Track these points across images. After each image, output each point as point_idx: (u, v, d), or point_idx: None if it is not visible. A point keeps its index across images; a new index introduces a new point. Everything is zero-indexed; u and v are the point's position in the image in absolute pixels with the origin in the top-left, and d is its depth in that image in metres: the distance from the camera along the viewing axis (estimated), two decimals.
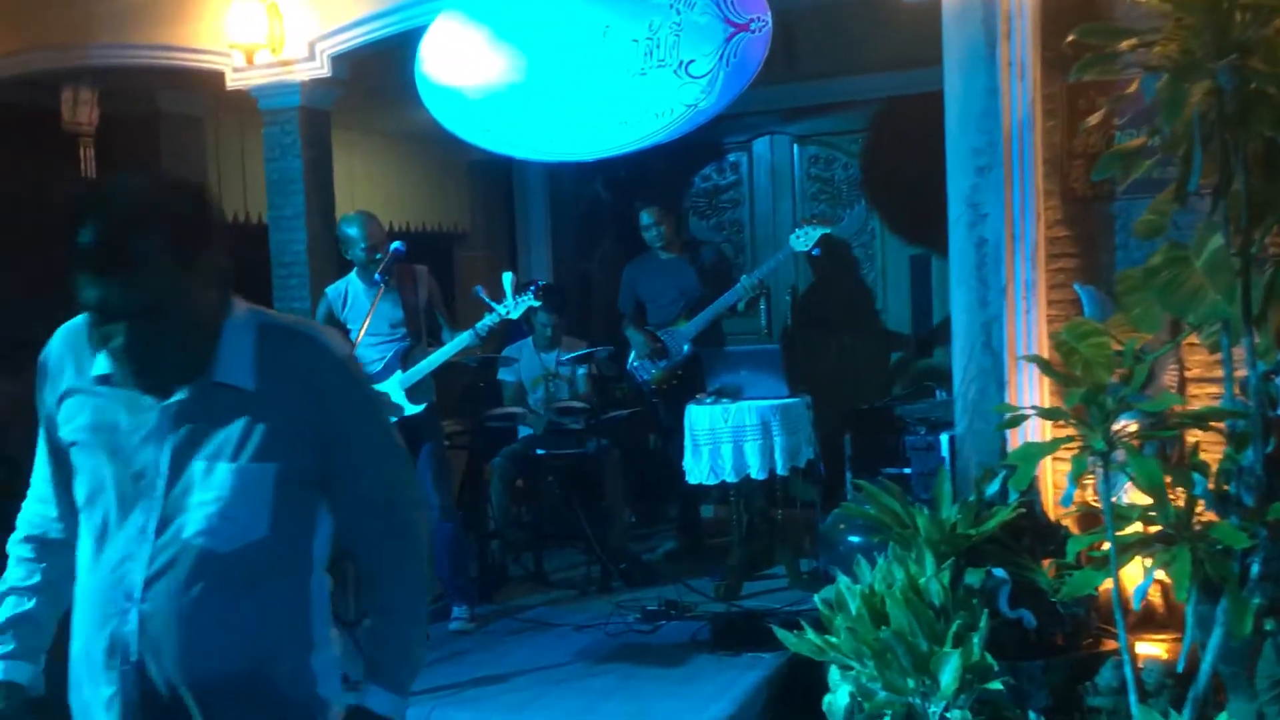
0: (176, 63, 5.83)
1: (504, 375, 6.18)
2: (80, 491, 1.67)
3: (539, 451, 5.94)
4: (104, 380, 1.64)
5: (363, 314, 4.89)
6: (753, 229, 7.61)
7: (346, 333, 4.93)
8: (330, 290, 5.14)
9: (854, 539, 4.40)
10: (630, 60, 4.85)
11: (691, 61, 4.73)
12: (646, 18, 4.83)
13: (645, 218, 5.98)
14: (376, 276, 4.89)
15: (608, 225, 8.31)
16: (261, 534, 1.61)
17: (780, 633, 3.62)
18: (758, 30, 4.63)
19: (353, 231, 4.98)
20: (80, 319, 1.69)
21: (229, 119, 7.38)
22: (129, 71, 6.10)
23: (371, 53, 5.55)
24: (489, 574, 5.64)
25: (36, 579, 1.79)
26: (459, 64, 5.16)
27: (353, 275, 5.07)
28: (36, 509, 1.83)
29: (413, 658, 1.78)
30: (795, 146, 7.48)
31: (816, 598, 3.74)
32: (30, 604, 1.78)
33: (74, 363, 1.68)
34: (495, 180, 8.88)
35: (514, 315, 4.96)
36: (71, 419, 1.68)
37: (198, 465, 1.60)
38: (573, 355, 6.05)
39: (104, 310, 1.52)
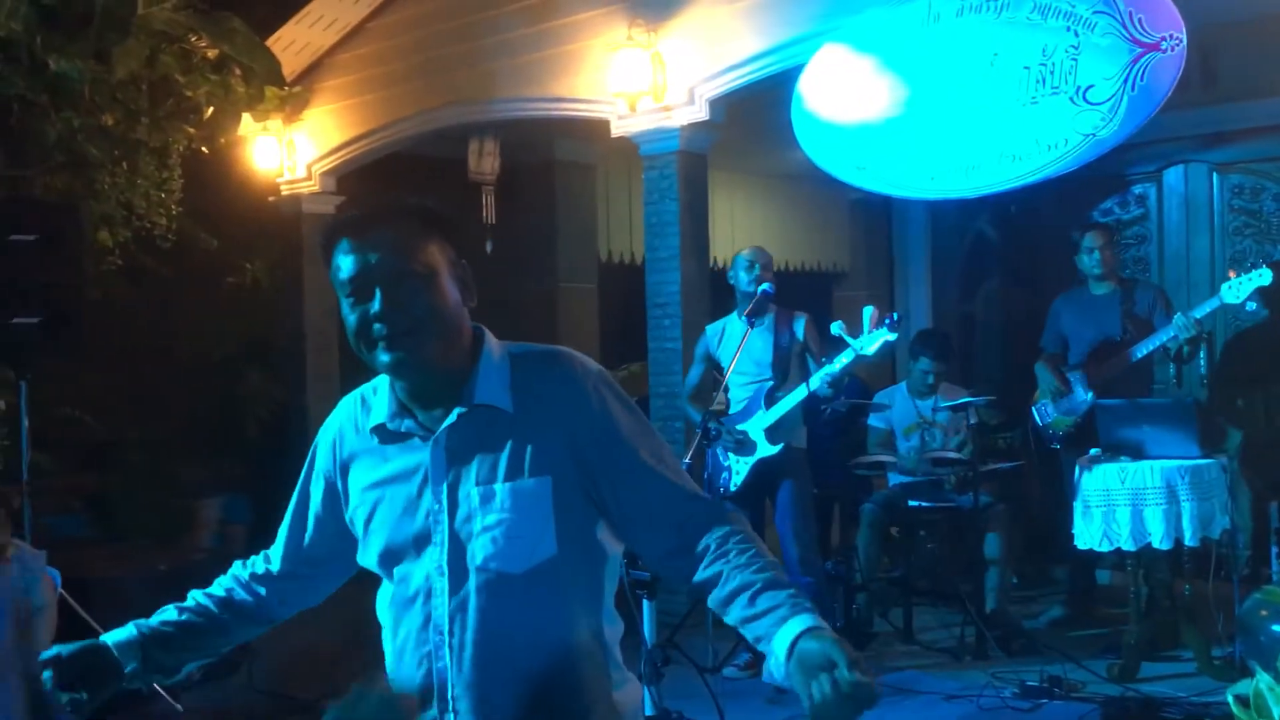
0: (567, 113, 6.14)
1: (873, 421, 5.98)
2: (373, 550, 1.72)
3: (911, 503, 5.67)
4: (379, 429, 1.70)
5: (734, 352, 4.89)
6: (1161, 268, 6.90)
7: (720, 369, 5.02)
8: (710, 327, 5.30)
9: (1278, 629, 3.78)
10: (1020, 88, 4.53)
11: (1090, 87, 4.34)
12: (1039, 42, 4.50)
13: (1087, 240, 5.45)
14: (742, 317, 4.92)
15: (993, 265, 7.85)
16: (550, 552, 1.62)
17: None
18: (1169, 50, 4.17)
19: (741, 261, 5.14)
20: (350, 395, 1.79)
21: (618, 164, 7.72)
22: (527, 123, 6.51)
23: (748, 95, 5.55)
24: (853, 628, 5.40)
25: (208, 605, 1.84)
26: (837, 99, 5.05)
27: (733, 314, 5.17)
28: (263, 556, 1.90)
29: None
30: (1215, 175, 6.73)
31: (1229, 693, 3.23)
32: (184, 618, 1.81)
33: (353, 428, 1.77)
34: (876, 218, 8.70)
35: (866, 351, 4.64)
36: (357, 483, 1.74)
37: (474, 491, 1.63)
38: (950, 403, 5.70)
39: (387, 324, 1.58)
